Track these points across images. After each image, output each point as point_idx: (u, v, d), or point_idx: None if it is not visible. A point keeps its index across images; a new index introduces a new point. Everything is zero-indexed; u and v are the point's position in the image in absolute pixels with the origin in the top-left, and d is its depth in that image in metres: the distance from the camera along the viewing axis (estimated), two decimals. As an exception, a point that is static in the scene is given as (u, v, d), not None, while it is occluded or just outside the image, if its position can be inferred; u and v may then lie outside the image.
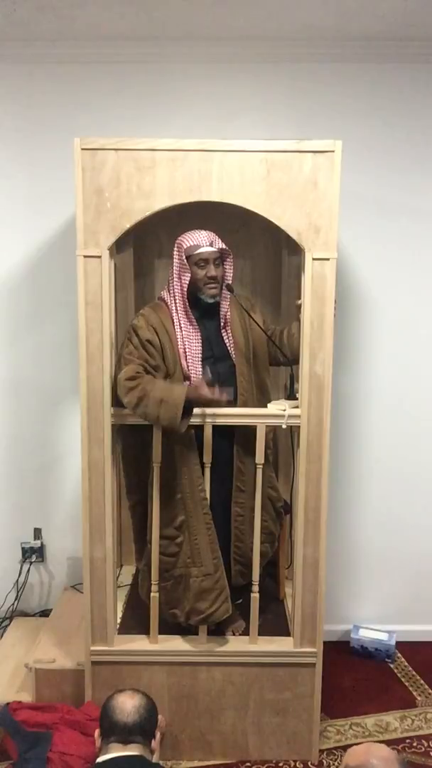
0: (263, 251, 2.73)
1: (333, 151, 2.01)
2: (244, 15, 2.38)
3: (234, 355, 2.28)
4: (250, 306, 2.38)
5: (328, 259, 2.06)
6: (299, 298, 2.13)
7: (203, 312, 2.25)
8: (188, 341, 2.21)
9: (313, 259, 2.06)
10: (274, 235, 2.48)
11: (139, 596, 2.39)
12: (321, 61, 2.60)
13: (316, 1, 2.29)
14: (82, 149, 2.02)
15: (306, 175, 2.03)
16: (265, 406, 2.24)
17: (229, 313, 2.29)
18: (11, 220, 2.75)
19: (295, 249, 2.26)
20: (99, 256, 2.07)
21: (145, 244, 2.71)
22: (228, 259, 2.25)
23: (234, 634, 2.36)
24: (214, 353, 2.24)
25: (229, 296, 2.28)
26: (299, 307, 2.13)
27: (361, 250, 2.74)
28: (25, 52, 2.60)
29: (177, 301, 2.21)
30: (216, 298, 2.22)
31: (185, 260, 2.18)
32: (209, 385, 2.04)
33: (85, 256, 2.07)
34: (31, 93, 2.65)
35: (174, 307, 2.22)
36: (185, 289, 2.20)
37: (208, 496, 2.20)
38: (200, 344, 2.22)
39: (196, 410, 2.12)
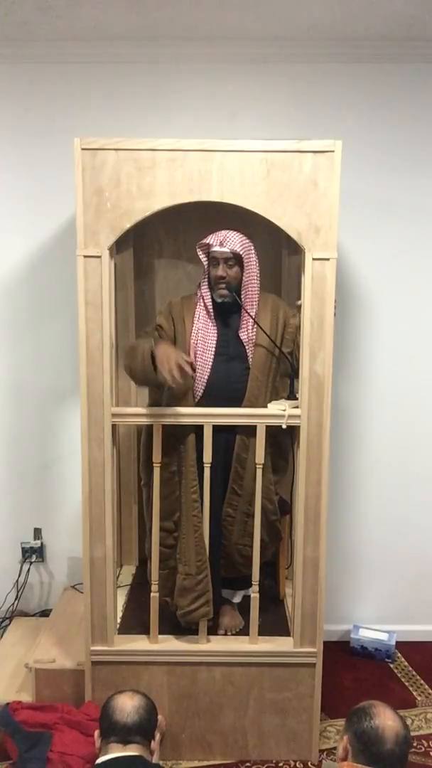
0: (263, 251, 2.72)
1: (333, 151, 2.01)
2: (244, 15, 2.38)
3: (251, 359, 2.23)
4: (292, 315, 2.28)
5: (328, 259, 2.06)
6: (299, 298, 2.13)
7: (227, 310, 2.24)
8: (203, 334, 2.22)
9: (313, 259, 2.06)
10: (274, 235, 2.47)
11: (139, 596, 2.39)
12: (321, 61, 2.61)
13: (317, 1, 2.29)
14: (82, 149, 2.02)
15: (306, 175, 2.03)
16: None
17: (254, 315, 2.22)
18: (11, 220, 2.74)
19: (295, 249, 2.26)
20: (99, 256, 2.07)
21: (145, 244, 2.71)
22: (249, 260, 2.20)
23: (226, 634, 2.35)
24: (229, 352, 2.23)
25: (257, 299, 2.24)
26: (299, 307, 2.13)
27: (361, 250, 2.74)
28: (25, 52, 2.60)
29: (204, 294, 2.24)
30: (225, 299, 2.20)
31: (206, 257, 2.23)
32: (181, 369, 1.99)
33: (85, 256, 2.07)
34: (31, 93, 2.65)
35: (201, 300, 2.25)
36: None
37: (205, 498, 2.19)
38: (216, 340, 2.22)
39: (196, 410, 2.16)
